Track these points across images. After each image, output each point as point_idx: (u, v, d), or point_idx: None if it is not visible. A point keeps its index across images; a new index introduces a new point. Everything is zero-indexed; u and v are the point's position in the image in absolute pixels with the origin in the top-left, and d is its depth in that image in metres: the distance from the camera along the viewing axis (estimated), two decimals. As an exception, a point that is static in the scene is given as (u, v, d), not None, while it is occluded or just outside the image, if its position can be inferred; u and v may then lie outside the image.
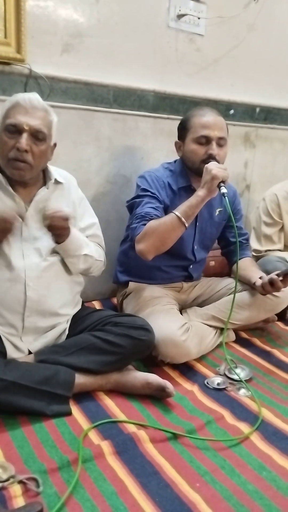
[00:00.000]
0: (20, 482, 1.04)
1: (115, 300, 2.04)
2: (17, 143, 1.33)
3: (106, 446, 1.16)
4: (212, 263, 2.16)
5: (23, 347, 1.40)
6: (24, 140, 1.32)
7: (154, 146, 2.09)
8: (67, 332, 1.48)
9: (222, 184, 1.52)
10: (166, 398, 1.40)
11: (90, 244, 1.53)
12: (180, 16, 2.05)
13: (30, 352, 1.41)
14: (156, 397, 1.40)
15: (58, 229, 1.37)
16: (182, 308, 1.83)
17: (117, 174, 2.03)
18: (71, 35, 1.77)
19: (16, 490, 1.02)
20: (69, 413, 1.30)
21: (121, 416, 1.31)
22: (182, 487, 1.07)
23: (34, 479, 1.04)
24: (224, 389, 1.48)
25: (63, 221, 1.35)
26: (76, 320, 1.52)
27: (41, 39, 1.70)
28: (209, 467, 1.14)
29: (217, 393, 1.46)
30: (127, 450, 1.17)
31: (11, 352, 1.38)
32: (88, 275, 1.59)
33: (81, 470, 1.08)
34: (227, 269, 2.10)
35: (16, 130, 1.34)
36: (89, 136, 1.91)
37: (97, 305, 2.03)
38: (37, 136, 1.35)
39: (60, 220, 1.35)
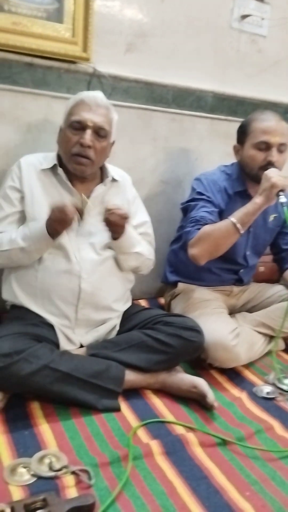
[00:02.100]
0: (73, 473, 1.06)
1: (161, 300, 2.04)
2: (81, 139, 1.36)
3: (155, 446, 1.17)
4: (262, 268, 2.12)
5: (75, 339, 1.43)
6: (88, 136, 1.36)
7: (210, 148, 2.07)
8: (118, 328, 1.50)
9: (281, 193, 1.48)
10: (207, 406, 1.37)
11: (142, 242, 1.54)
12: (243, 17, 2.01)
13: (81, 346, 1.44)
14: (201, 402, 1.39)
15: (115, 226, 1.38)
16: (231, 313, 1.81)
17: (171, 175, 2.03)
18: (135, 35, 1.78)
19: (69, 480, 1.04)
20: (118, 409, 1.32)
21: (168, 417, 1.31)
22: (232, 495, 1.06)
23: (86, 471, 1.06)
24: (273, 398, 1.45)
25: (122, 218, 1.37)
26: (126, 316, 1.53)
27: (106, 38, 1.72)
28: (259, 476, 1.12)
29: (266, 403, 1.43)
30: (176, 451, 1.17)
31: (64, 344, 1.41)
32: (137, 272, 1.60)
33: (131, 467, 1.09)
34: (277, 276, 2.05)
35: (80, 127, 1.37)
36: (146, 135, 1.92)
37: (144, 304, 2.04)
38: (100, 132, 1.39)
39: (119, 217, 1.37)
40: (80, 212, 1.41)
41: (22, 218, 1.44)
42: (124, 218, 1.37)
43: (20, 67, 1.55)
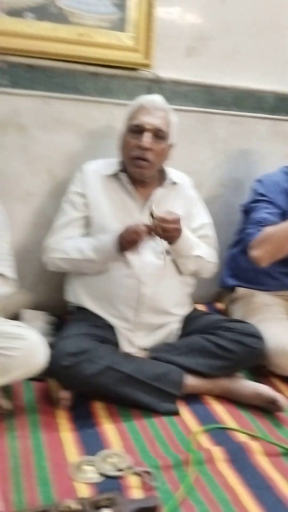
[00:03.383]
0: (136, 473, 1.08)
1: (219, 305, 2.02)
2: (139, 142, 1.39)
3: (217, 452, 1.16)
4: None
5: (135, 342, 1.45)
6: (146, 139, 1.38)
7: (270, 149, 2.02)
8: (178, 332, 1.50)
9: None
10: (276, 412, 1.35)
11: (201, 246, 1.53)
12: (306, 14, 1.95)
13: (141, 348, 1.46)
14: (265, 409, 1.36)
15: (167, 231, 1.34)
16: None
17: (230, 177, 2.00)
18: (195, 38, 1.78)
19: (132, 481, 1.06)
20: (177, 413, 1.32)
21: (229, 423, 1.30)
22: (299, 507, 1.03)
23: (149, 473, 1.08)
24: None
25: (172, 223, 1.33)
26: (187, 321, 1.53)
27: (166, 43, 1.73)
28: None
29: None
30: (239, 459, 1.15)
31: (125, 346, 1.44)
32: (198, 276, 1.60)
33: (193, 473, 1.09)
34: None
35: (139, 130, 1.40)
36: (205, 138, 1.91)
37: (201, 308, 2.02)
38: (158, 134, 1.41)
39: (169, 223, 1.32)
40: (153, 233, 1.35)
41: (87, 223, 1.48)
42: (175, 222, 1.34)
43: (84, 77, 1.61)
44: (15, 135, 1.62)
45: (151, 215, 1.29)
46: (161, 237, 1.33)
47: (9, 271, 1.36)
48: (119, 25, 1.59)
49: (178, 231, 1.38)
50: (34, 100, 1.60)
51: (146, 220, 1.32)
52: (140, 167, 1.42)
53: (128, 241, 1.31)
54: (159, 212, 1.30)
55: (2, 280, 1.34)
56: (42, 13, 1.51)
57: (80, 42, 1.55)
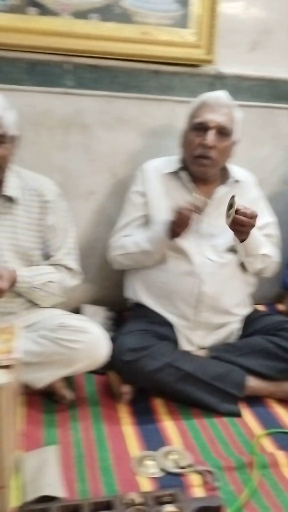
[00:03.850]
0: (198, 472, 1.07)
1: (280, 306, 1.96)
2: (203, 140, 1.37)
3: (281, 457, 1.13)
4: None
5: (195, 341, 1.44)
6: (210, 137, 1.36)
7: None
8: (239, 332, 1.47)
9: None
10: None
11: (267, 244, 1.49)
12: None
13: (200, 347, 1.44)
14: None
15: (243, 226, 1.31)
16: None
17: (293, 174, 1.94)
18: (259, 32, 1.74)
19: (194, 479, 1.06)
20: (239, 414, 1.30)
21: (293, 428, 1.25)
22: None
23: (211, 473, 1.06)
24: None
25: (250, 218, 1.32)
26: (248, 321, 1.50)
27: (229, 39, 1.70)
28: None
29: None
30: (304, 465, 1.11)
31: (184, 344, 1.43)
32: (261, 275, 1.56)
33: (257, 476, 1.06)
34: None
35: (202, 128, 1.38)
36: (267, 134, 1.86)
37: (262, 309, 1.97)
38: (222, 131, 1.38)
39: (247, 217, 1.30)
40: (199, 212, 1.39)
41: (147, 222, 1.49)
42: (252, 217, 1.32)
43: (146, 75, 1.62)
44: (79, 135, 1.66)
45: (230, 206, 1.26)
46: (236, 231, 1.32)
47: (75, 264, 1.41)
48: (182, 22, 1.58)
49: (251, 228, 1.34)
50: (98, 100, 1.63)
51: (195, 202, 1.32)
52: (203, 166, 1.40)
53: (174, 223, 1.31)
54: (239, 205, 1.26)
55: (70, 273, 1.39)
56: (107, 13, 1.53)
57: (143, 41, 1.56)
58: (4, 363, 0.96)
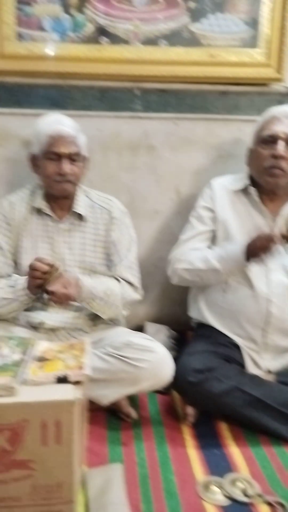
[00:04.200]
0: (267, 503, 1.02)
1: None
2: (273, 151, 1.35)
3: None
4: None
5: (262, 364, 1.40)
6: (280, 147, 1.36)
7: None
8: (309, 357, 1.41)
9: None
10: None
11: None
12: None
13: (267, 371, 1.40)
14: None
15: None
16: None
17: None
18: None
19: (263, 510, 1.01)
20: (309, 444, 1.23)
21: None
22: None
23: (282, 505, 1.02)
24: None
25: None
26: None
27: (298, 56, 1.68)
28: None
29: None
30: None
31: (251, 367, 1.39)
32: None
33: None
34: None
35: (271, 140, 1.38)
36: None
37: None
38: None
39: None
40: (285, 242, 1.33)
41: (213, 237, 1.49)
42: None
43: (214, 96, 1.64)
44: (145, 156, 1.71)
45: None
46: None
47: (136, 279, 1.45)
48: (251, 42, 1.59)
49: None
50: (164, 122, 1.67)
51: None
52: (274, 176, 1.38)
53: (259, 247, 1.29)
54: None
55: (131, 287, 1.42)
56: (175, 38, 1.58)
57: (211, 63, 1.58)
58: (75, 379, 0.99)
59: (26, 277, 1.27)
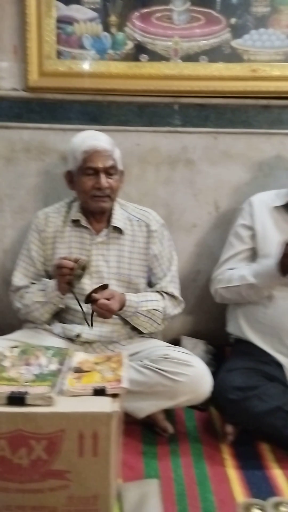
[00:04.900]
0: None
1: None
2: None
3: None
4: None
5: (306, 382, 1.34)
6: None
7: None
8: None
9: None
10: None
11: None
12: None
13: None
14: None
15: None
16: None
17: None
18: None
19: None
20: None
21: None
22: None
23: None
24: None
25: None
26: None
27: None
28: None
29: None
30: None
31: (294, 386, 1.34)
32: None
33: None
34: None
35: None
36: None
37: None
38: None
39: None
40: None
41: (253, 255, 1.46)
42: None
43: (255, 110, 1.63)
44: (184, 171, 1.71)
45: None
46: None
47: (178, 292, 1.44)
48: (294, 57, 1.58)
49: None
50: (203, 137, 1.67)
51: None
52: None
53: None
54: None
55: (173, 301, 1.42)
56: (216, 54, 1.58)
57: (253, 78, 1.58)
58: (112, 392, 0.98)
59: (55, 279, 1.29)
